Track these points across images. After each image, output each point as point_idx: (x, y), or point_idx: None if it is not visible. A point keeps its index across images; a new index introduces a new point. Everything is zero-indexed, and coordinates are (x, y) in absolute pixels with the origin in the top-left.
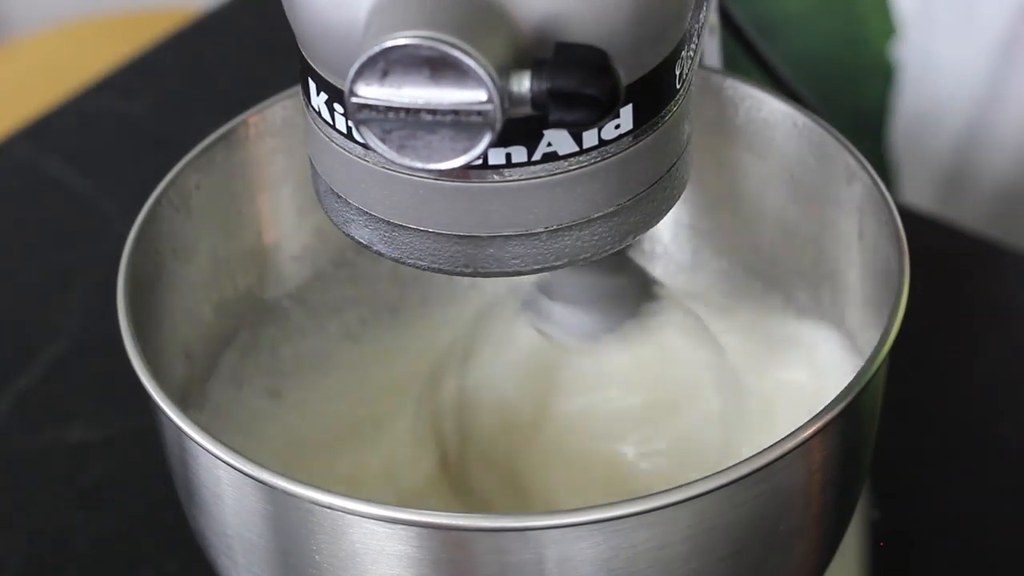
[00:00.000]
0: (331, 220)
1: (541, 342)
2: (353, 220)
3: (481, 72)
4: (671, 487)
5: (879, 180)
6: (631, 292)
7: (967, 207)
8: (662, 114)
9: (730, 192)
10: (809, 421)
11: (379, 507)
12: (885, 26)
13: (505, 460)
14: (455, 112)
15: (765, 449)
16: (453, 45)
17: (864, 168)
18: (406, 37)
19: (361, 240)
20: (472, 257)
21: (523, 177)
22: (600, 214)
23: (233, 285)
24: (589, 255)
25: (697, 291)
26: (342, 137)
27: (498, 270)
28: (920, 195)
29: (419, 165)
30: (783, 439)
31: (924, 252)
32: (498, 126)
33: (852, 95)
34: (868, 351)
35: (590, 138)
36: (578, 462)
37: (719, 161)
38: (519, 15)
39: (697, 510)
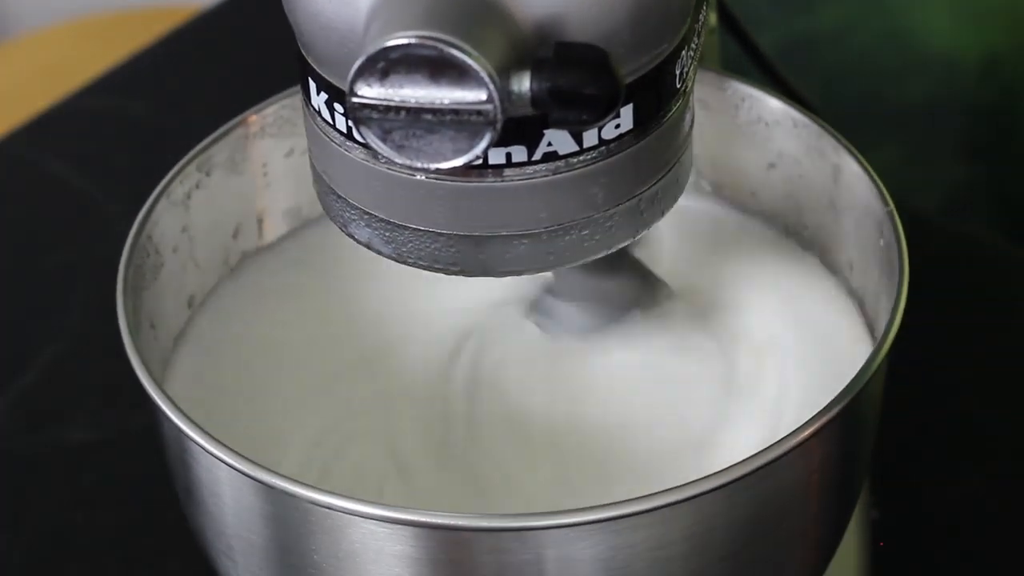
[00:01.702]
0: (331, 219)
1: (543, 339)
2: (353, 220)
3: (481, 72)
4: (669, 487)
5: (877, 179)
6: (634, 290)
7: None
8: (662, 113)
9: (729, 191)
10: (808, 421)
11: (378, 507)
12: (937, 19)
13: (499, 451)
14: (455, 112)
15: (764, 449)
16: (453, 45)
17: (863, 167)
18: (406, 37)
19: (361, 240)
20: (472, 257)
21: (523, 177)
22: (600, 213)
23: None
24: (590, 254)
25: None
26: (342, 137)
27: (499, 270)
28: None
29: (419, 165)
30: (782, 439)
31: (924, 252)
32: (498, 126)
33: (896, 93)
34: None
35: (590, 138)
36: (569, 458)
37: (719, 160)
38: (519, 15)
39: (696, 510)
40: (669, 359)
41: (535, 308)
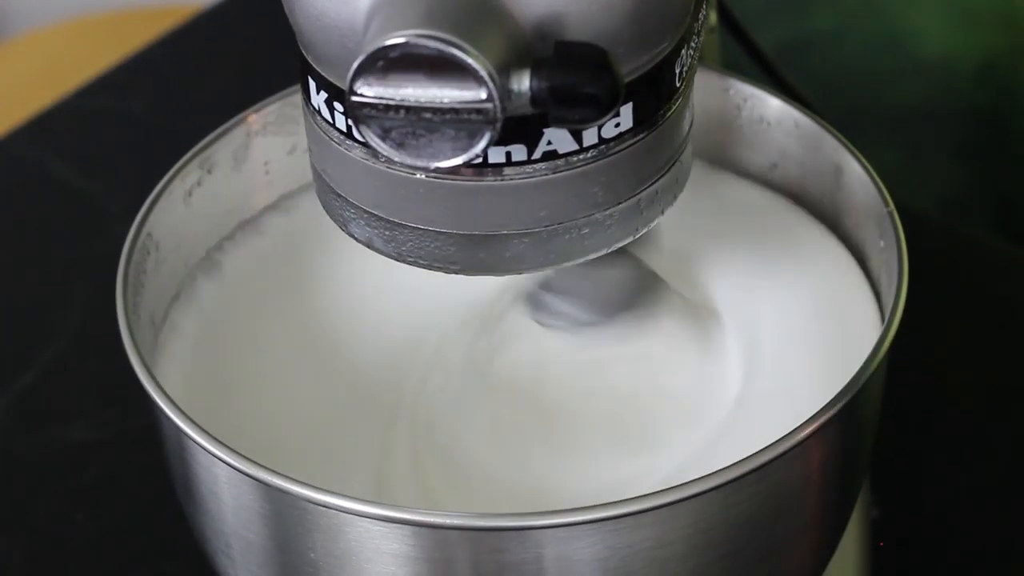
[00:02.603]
0: (331, 218)
1: (536, 332)
2: (353, 219)
3: (481, 71)
4: (669, 487)
5: (878, 179)
6: (628, 285)
7: None
8: (662, 112)
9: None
10: (807, 421)
11: (375, 506)
12: (932, 22)
13: (496, 446)
14: (455, 110)
15: (762, 449)
16: (452, 44)
17: (864, 167)
18: (406, 35)
19: (361, 239)
20: (472, 255)
21: (523, 175)
22: (600, 212)
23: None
24: (590, 253)
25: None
26: (341, 136)
27: (499, 268)
28: None
29: (419, 164)
30: (781, 439)
31: (923, 252)
32: (498, 124)
33: (893, 96)
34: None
35: (590, 136)
36: (563, 448)
37: (719, 160)
38: (519, 13)
39: (695, 510)
40: (664, 354)
41: (531, 302)
